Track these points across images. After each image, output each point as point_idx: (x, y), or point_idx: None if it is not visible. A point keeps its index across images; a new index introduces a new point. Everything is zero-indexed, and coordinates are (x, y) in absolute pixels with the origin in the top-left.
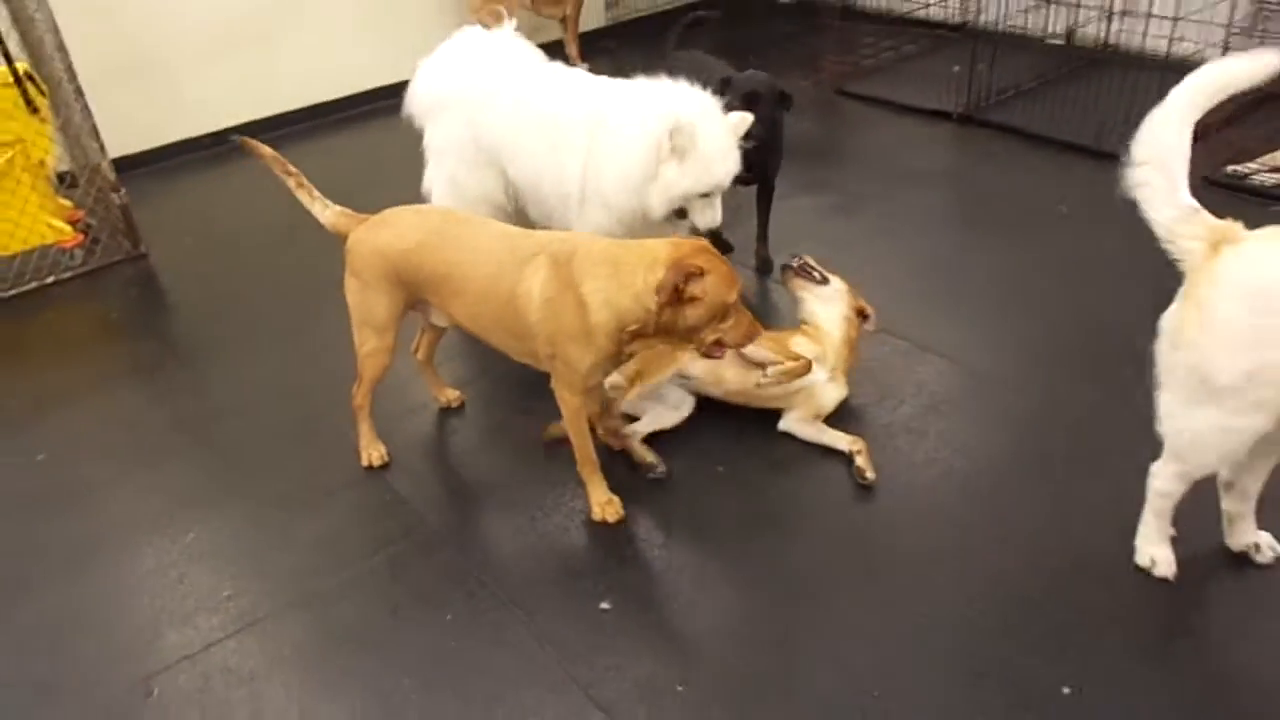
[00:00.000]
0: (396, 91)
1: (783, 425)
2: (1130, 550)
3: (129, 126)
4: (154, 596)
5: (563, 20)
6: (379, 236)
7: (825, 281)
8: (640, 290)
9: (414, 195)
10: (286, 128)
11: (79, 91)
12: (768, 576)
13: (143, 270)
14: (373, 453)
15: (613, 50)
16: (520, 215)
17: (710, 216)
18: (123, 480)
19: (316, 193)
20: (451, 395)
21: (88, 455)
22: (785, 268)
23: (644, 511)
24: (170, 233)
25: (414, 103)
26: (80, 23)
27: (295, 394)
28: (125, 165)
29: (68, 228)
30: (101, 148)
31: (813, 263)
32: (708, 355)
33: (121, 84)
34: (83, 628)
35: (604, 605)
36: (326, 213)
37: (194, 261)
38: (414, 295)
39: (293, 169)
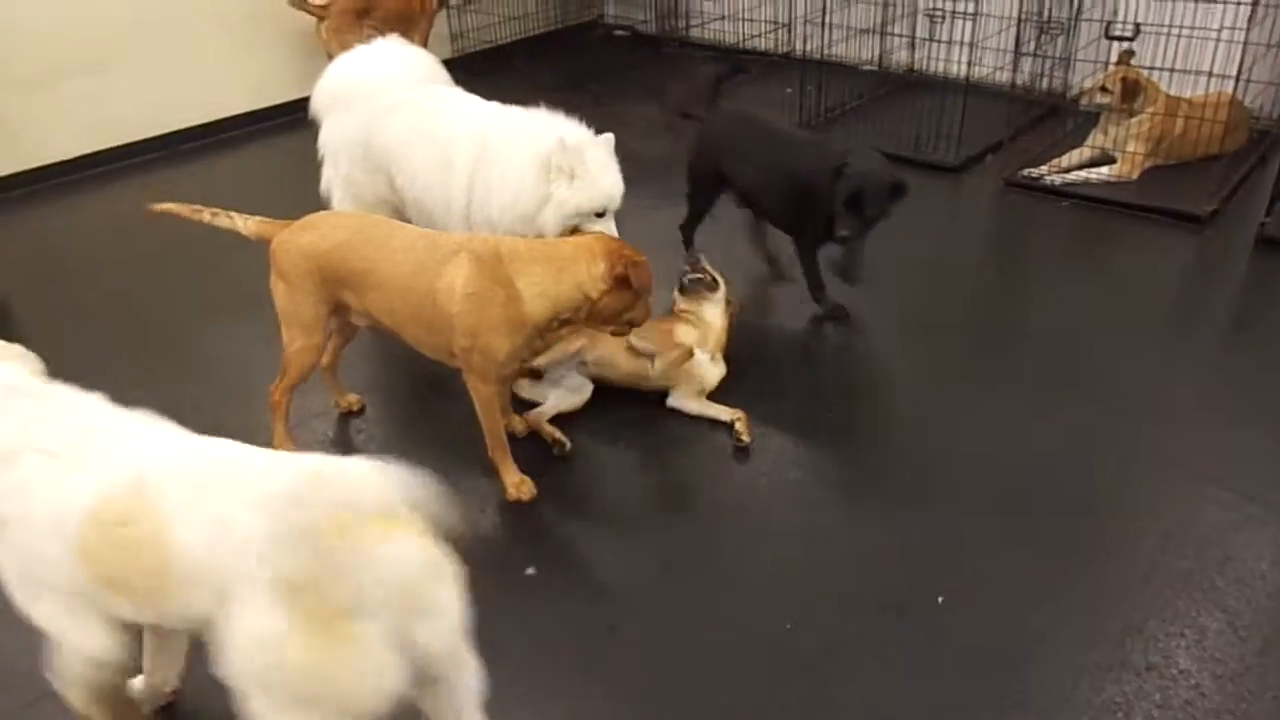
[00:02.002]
0: (248, 121)
1: (671, 402)
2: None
3: None
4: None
5: None
6: (302, 238)
7: (716, 285)
8: (583, 280)
9: (289, 214)
10: (139, 156)
11: None
12: (666, 529)
13: None
14: (286, 448)
15: (461, 81)
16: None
17: (607, 231)
18: None
19: (229, 212)
20: (352, 399)
21: None
22: (694, 282)
23: (554, 488)
24: (19, 263)
25: (317, 99)
26: None
27: (187, 405)
28: None
29: None
30: None
31: (708, 267)
32: (618, 334)
33: None
34: None
35: (530, 570)
36: (249, 223)
37: (45, 292)
38: (335, 294)
39: (197, 206)
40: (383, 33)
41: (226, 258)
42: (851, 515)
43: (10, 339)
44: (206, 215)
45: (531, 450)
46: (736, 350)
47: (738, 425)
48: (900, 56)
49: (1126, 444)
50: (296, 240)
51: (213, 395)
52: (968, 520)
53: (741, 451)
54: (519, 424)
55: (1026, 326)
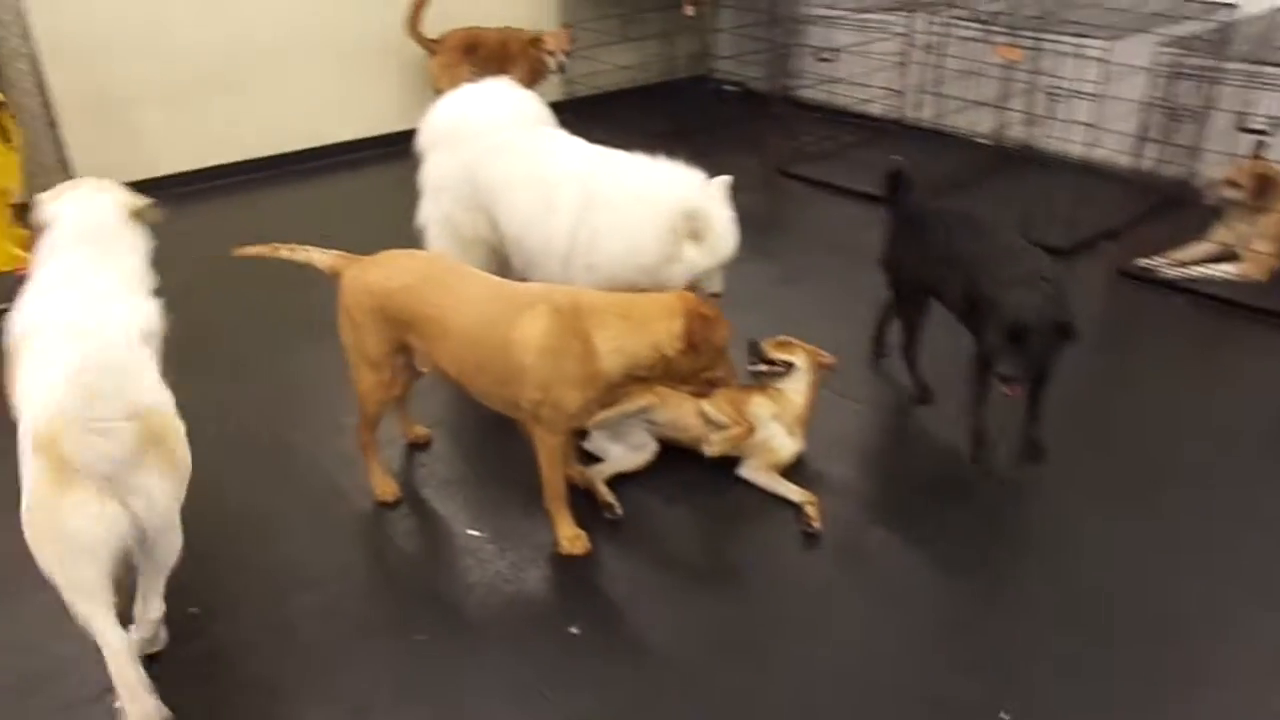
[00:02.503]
0: (363, 146)
1: (741, 472)
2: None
3: (96, 162)
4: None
5: None
6: (369, 275)
7: (788, 368)
8: (661, 338)
9: (382, 246)
10: (254, 173)
11: (52, 124)
12: (724, 610)
13: None
14: (385, 489)
15: (568, 124)
16: (506, 260)
17: (718, 283)
18: None
19: (305, 247)
20: (421, 432)
21: None
22: (757, 375)
23: (608, 548)
24: None
25: (424, 134)
26: (59, 56)
27: (272, 420)
28: None
29: (27, 255)
30: (70, 179)
31: (770, 353)
32: (700, 394)
33: (94, 119)
34: (41, 642)
35: (573, 629)
36: (323, 257)
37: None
38: (400, 335)
39: (275, 244)
40: (483, 71)
41: (315, 280)
42: (917, 616)
43: None
44: (284, 252)
45: (590, 503)
46: (816, 429)
47: (808, 509)
48: (1016, 132)
49: (1231, 564)
50: (364, 277)
51: (283, 415)
52: (1045, 631)
53: (809, 537)
54: (578, 474)
55: (1129, 427)
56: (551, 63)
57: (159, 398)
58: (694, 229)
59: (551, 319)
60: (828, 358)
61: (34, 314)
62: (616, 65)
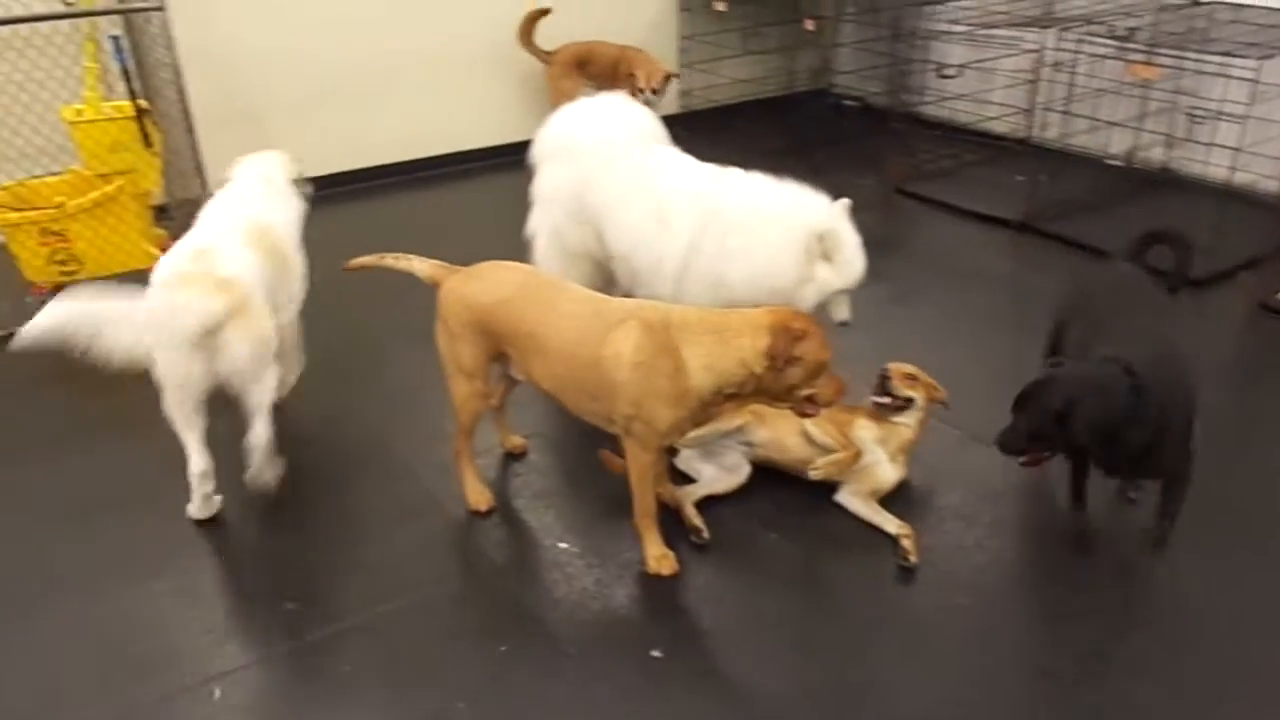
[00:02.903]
0: (478, 156)
1: (838, 498)
2: None
3: (230, 166)
4: (213, 609)
5: None
6: (467, 288)
7: (909, 403)
8: (747, 354)
9: (491, 254)
10: (374, 180)
11: (190, 130)
12: (812, 640)
13: None
14: (478, 499)
15: (683, 138)
16: (611, 276)
17: (846, 310)
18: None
19: (408, 256)
20: (517, 442)
21: (152, 471)
22: (880, 406)
23: (696, 569)
24: None
25: (538, 146)
26: (198, 68)
27: (374, 425)
28: None
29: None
30: (204, 184)
31: (899, 388)
32: (802, 413)
33: (228, 127)
34: (147, 631)
35: (655, 653)
36: (424, 266)
37: None
38: (497, 347)
39: (381, 254)
40: (596, 87)
41: (420, 286)
42: (1017, 662)
43: None
44: (389, 260)
45: (680, 524)
46: (920, 466)
47: (905, 542)
48: (1153, 154)
49: None
50: (461, 289)
51: (385, 420)
52: (1156, 692)
53: (905, 571)
54: (668, 494)
55: (1258, 471)
56: (639, 97)
57: (248, 280)
58: (826, 250)
59: (643, 335)
60: (941, 392)
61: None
62: (735, 79)
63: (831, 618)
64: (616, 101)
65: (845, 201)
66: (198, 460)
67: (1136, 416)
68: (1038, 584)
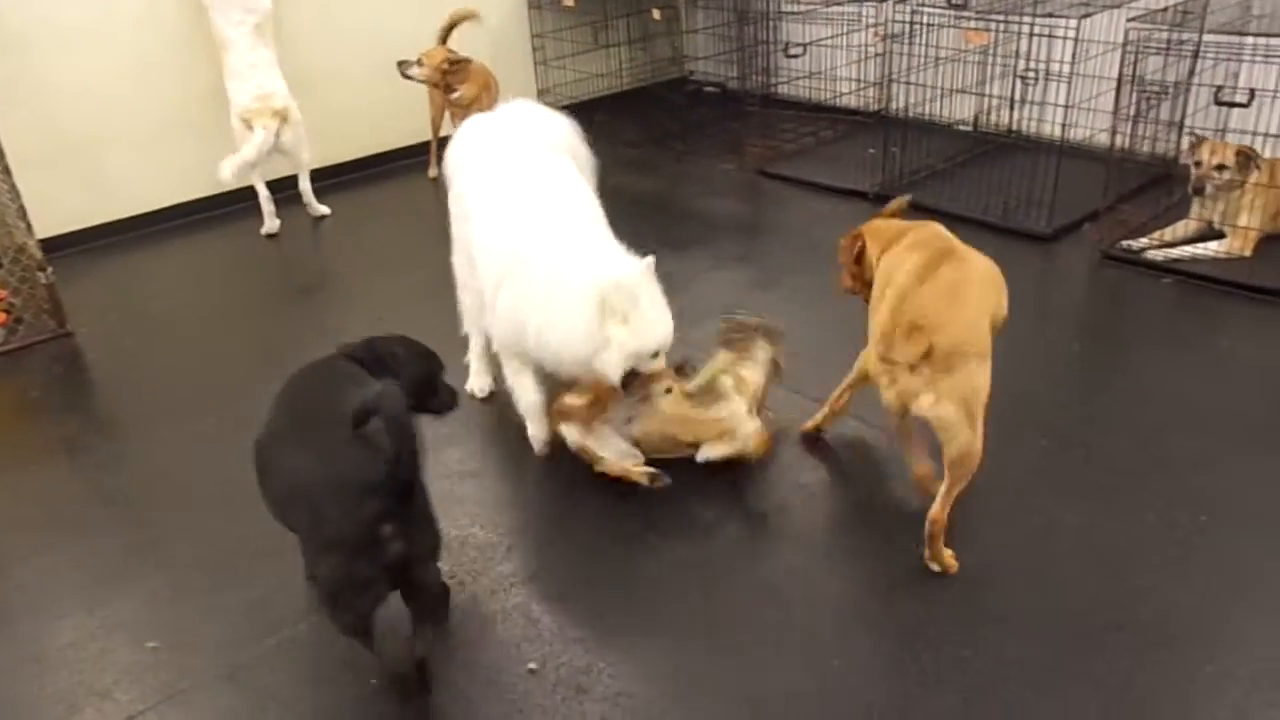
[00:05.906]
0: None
1: (701, 457)
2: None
3: (56, 208)
4: (72, 670)
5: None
6: None
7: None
8: None
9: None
10: (214, 210)
11: (7, 171)
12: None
13: (67, 348)
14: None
15: None
16: None
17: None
18: (40, 553)
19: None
20: None
21: (2, 531)
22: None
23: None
24: (96, 311)
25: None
26: (8, 107)
27: (222, 463)
28: (51, 246)
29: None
30: (29, 228)
31: (744, 319)
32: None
33: (50, 166)
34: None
35: (531, 666)
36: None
37: (120, 339)
38: None
39: None
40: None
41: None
42: (876, 629)
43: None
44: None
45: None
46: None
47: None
48: (999, 117)
49: (1216, 563)
50: None
51: None
52: (1019, 646)
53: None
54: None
55: (1116, 417)
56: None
57: (289, 101)
58: (620, 309)
59: None
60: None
61: None
62: (591, 73)
63: (706, 599)
64: (520, 108)
65: (649, 259)
66: None
67: None
68: (893, 543)
